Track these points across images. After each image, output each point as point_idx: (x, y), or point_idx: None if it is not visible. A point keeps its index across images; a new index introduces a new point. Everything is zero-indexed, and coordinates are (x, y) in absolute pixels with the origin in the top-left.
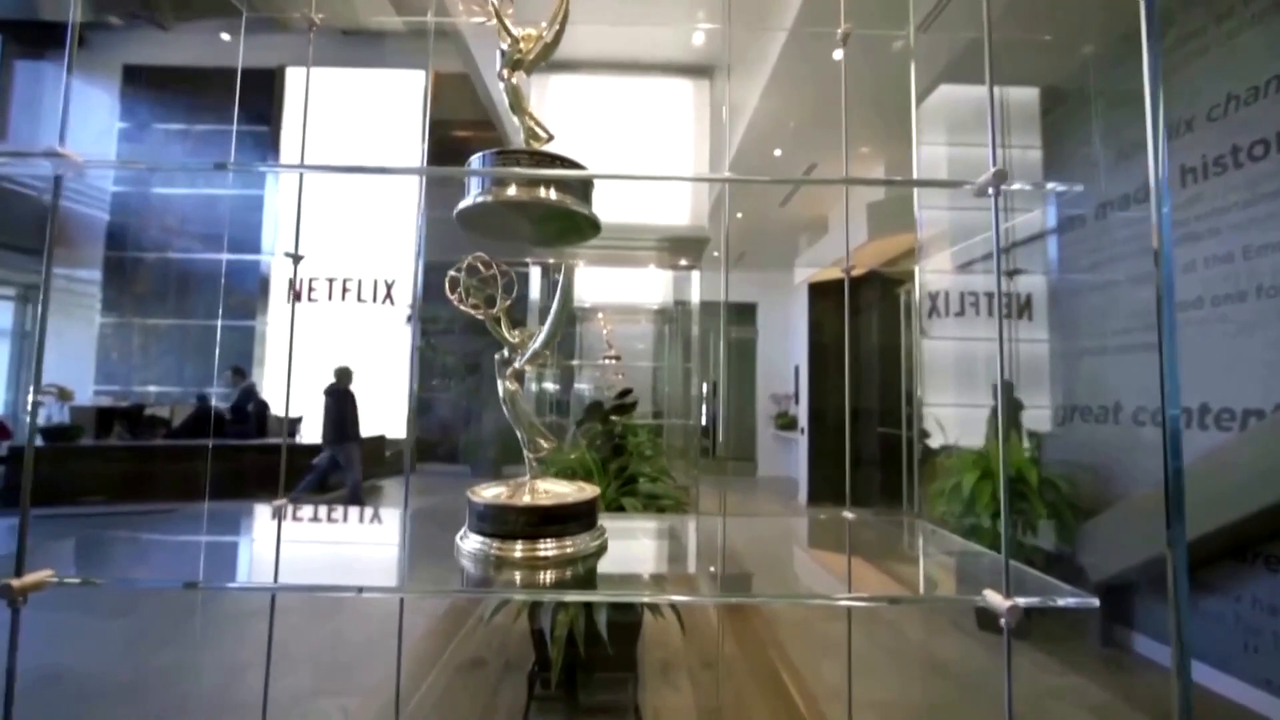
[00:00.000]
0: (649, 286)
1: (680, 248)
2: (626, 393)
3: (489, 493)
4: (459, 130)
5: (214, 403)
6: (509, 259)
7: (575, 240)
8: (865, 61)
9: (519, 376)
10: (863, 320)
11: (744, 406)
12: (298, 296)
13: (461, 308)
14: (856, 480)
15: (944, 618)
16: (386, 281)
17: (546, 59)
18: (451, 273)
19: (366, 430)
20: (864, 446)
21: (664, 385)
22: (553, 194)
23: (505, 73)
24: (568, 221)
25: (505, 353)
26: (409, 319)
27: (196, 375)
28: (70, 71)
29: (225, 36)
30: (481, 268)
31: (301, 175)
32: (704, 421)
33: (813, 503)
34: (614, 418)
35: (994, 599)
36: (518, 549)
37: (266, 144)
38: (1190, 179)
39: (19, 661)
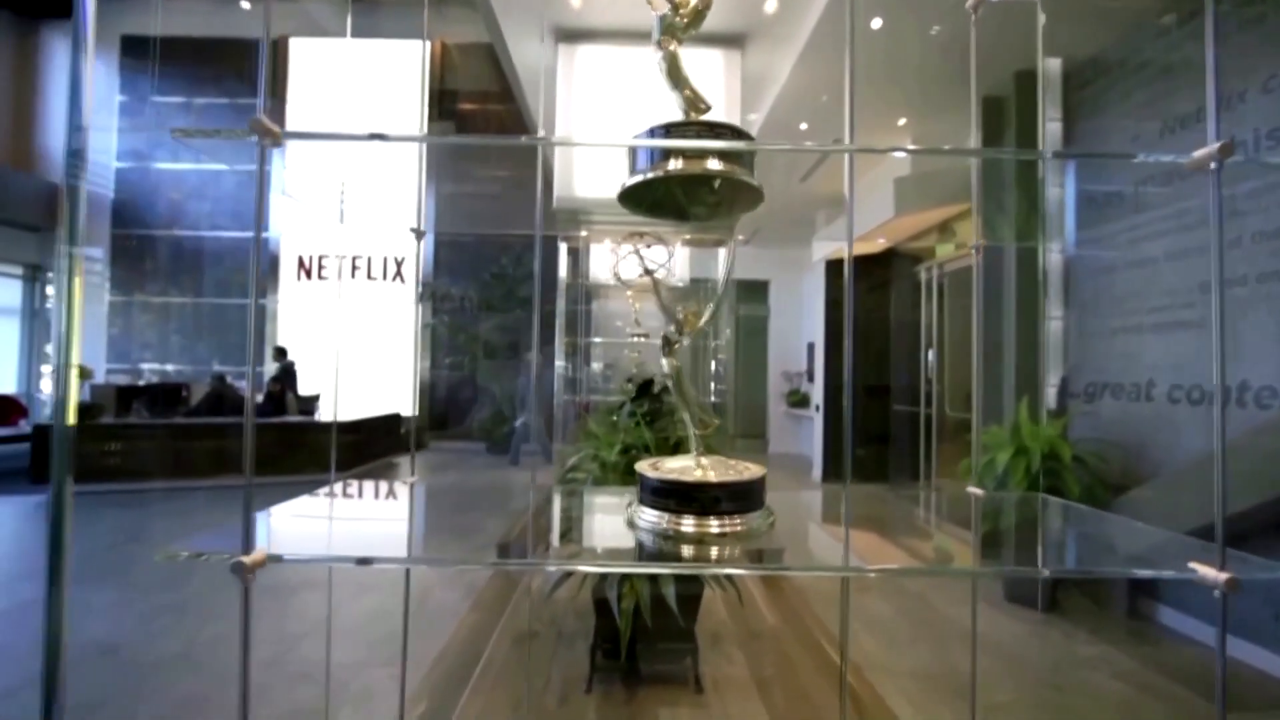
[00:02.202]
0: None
1: (708, 223)
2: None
3: (660, 469)
4: (473, 102)
5: (231, 380)
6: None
7: (738, 211)
8: (903, 34)
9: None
10: (879, 298)
11: (754, 384)
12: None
13: (621, 281)
14: (882, 456)
15: (967, 589)
16: (396, 259)
17: (698, 27)
18: (613, 247)
19: (379, 409)
20: (882, 423)
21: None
22: (720, 164)
23: (663, 40)
24: (735, 192)
25: (671, 329)
26: (420, 296)
27: (208, 354)
28: (265, 46)
29: (245, 5)
30: (639, 242)
31: (422, 147)
32: (713, 398)
33: (828, 480)
34: (664, 396)
35: (1206, 572)
36: (693, 524)
37: (271, 118)
38: (1241, 152)
39: (77, 634)
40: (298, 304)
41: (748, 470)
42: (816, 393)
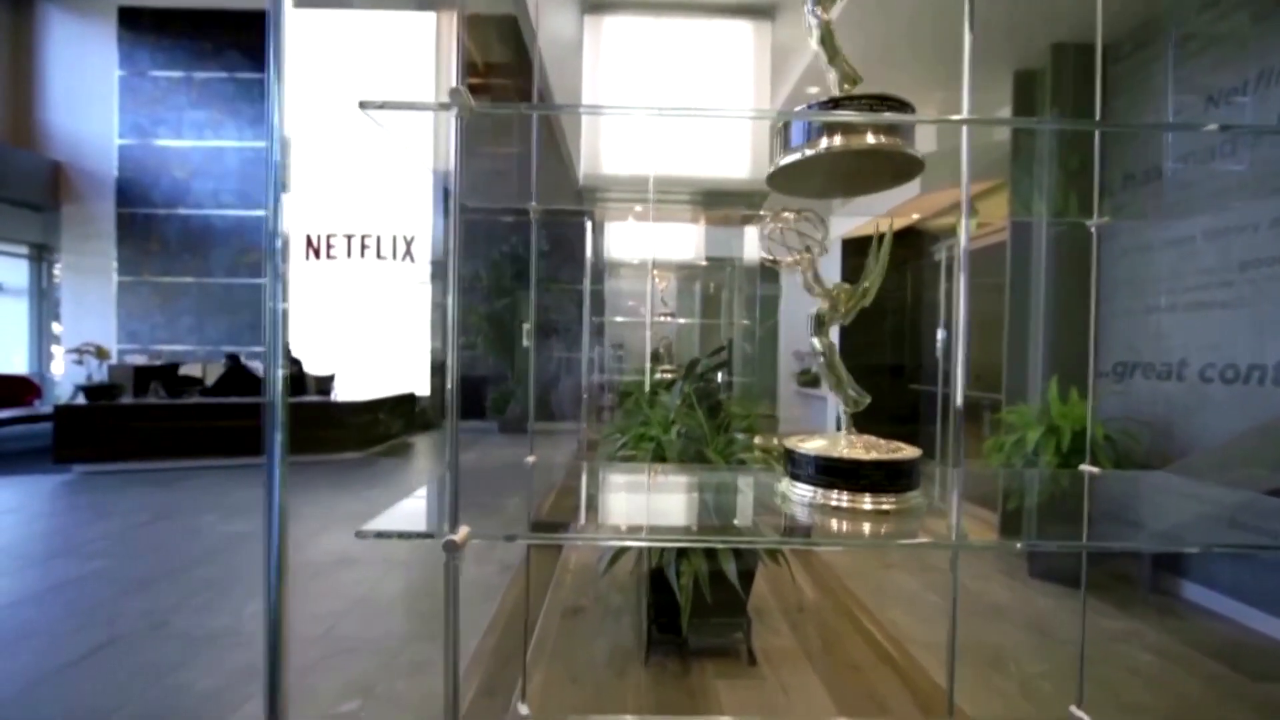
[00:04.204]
0: (675, 242)
1: (735, 202)
2: (720, 350)
3: (812, 445)
4: (489, 76)
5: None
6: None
7: (894, 183)
8: (933, 6)
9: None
10: (896, 277)
11: (765, 363)
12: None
13: (769, 261)
14: (898, 435)
15: (994, 566)
16: (406, 238)
17: None
18: (761, 228)
19: (394, 389)
20: (898, 403)
21: (693, 342)
22: (884, 139)
23: (819, 10)
24: (895, 165)
25: (824, 307)
26: (432, 276)
27: (219, 334)
28: (461, 21)
29: None
30: (791, 219)
31: (535, 117)
32: (720, 377)
33: None
34: (708, 376)
35: None
36: (848, 500)
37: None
38: None
39: (125, 607)
40: (307, 284)
41: (902, 450)
42: None
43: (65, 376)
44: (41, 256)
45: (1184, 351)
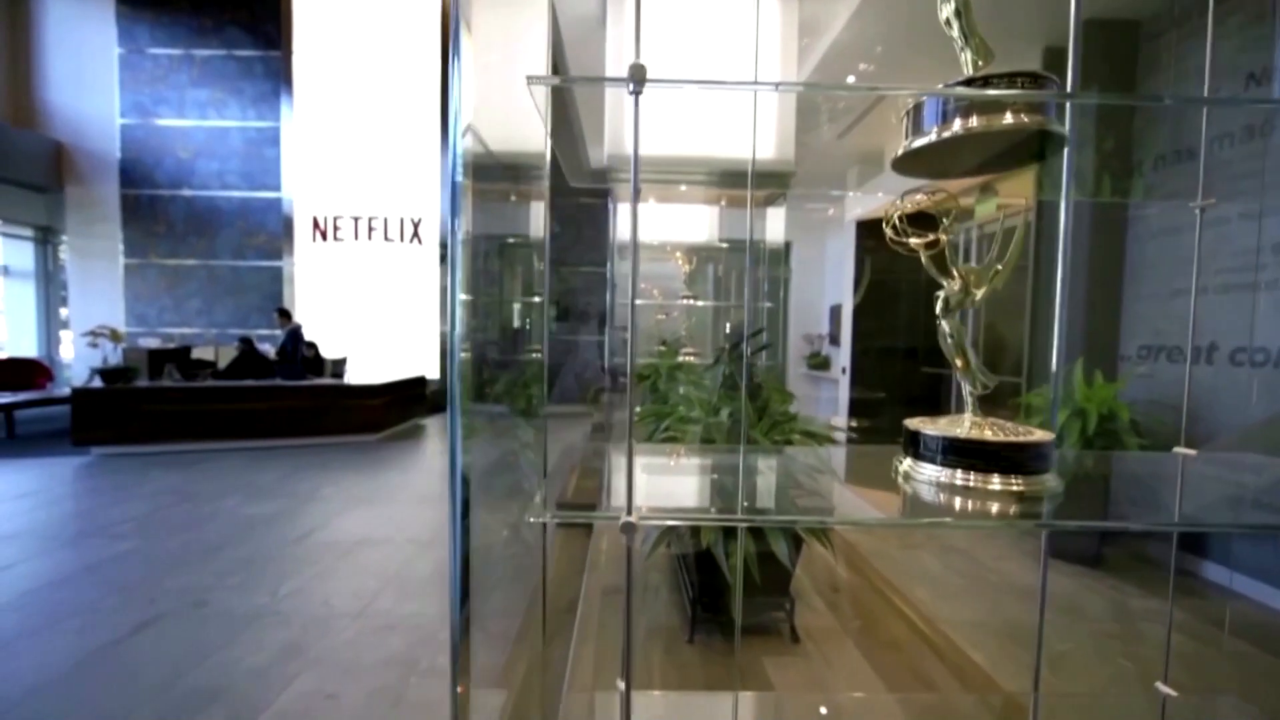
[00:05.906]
0: (695, 224)
1: (760, 182)
2: (759, 332)
3: (938, 427)
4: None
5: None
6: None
7: (1033, 161)
8: None
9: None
10: (912, 259)
11: (777, 346)
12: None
13: (896, 244)
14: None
15: (1015, 547)
16: (413, 219)
17: None
18: (888, 209)
19: (404, 372)
20: (912, 385)
21: (701, 325)
22: (1025, 115)
23: None
24: (1033, 142)
25: (952, 289)
26: (442, 258)
27: (227, 316)
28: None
29: None
30: (923, 200)
31: (627, 91)
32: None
33: (853, 443)
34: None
35: None
36: (975, 479)
37: (278, 71)
38: None
39: (164, 587)
40: (314, 266)
41: (1033, 433)
42: (843, 356)
43: (76, 359)
44: (46, 239)
45: (1213, 335)
